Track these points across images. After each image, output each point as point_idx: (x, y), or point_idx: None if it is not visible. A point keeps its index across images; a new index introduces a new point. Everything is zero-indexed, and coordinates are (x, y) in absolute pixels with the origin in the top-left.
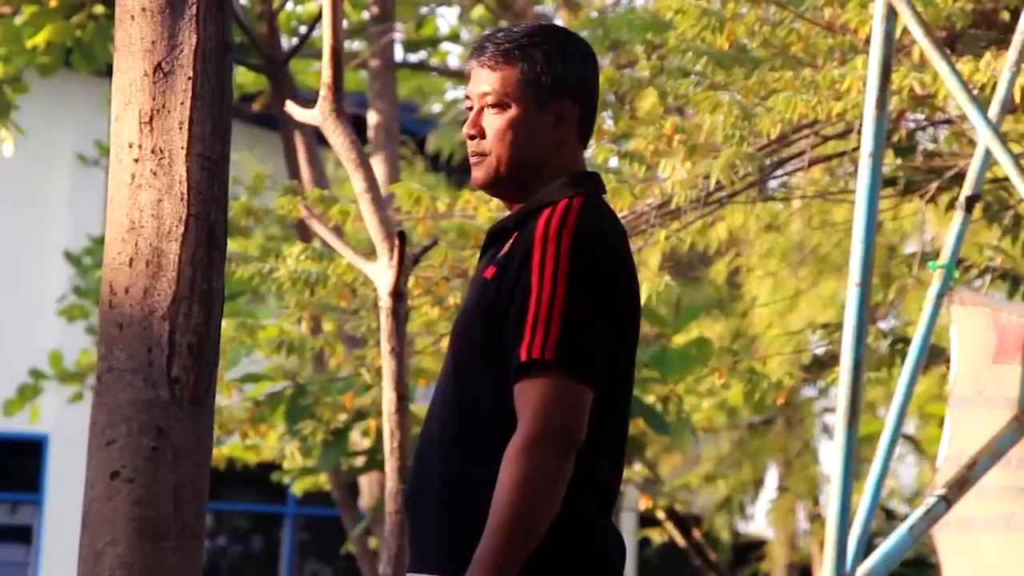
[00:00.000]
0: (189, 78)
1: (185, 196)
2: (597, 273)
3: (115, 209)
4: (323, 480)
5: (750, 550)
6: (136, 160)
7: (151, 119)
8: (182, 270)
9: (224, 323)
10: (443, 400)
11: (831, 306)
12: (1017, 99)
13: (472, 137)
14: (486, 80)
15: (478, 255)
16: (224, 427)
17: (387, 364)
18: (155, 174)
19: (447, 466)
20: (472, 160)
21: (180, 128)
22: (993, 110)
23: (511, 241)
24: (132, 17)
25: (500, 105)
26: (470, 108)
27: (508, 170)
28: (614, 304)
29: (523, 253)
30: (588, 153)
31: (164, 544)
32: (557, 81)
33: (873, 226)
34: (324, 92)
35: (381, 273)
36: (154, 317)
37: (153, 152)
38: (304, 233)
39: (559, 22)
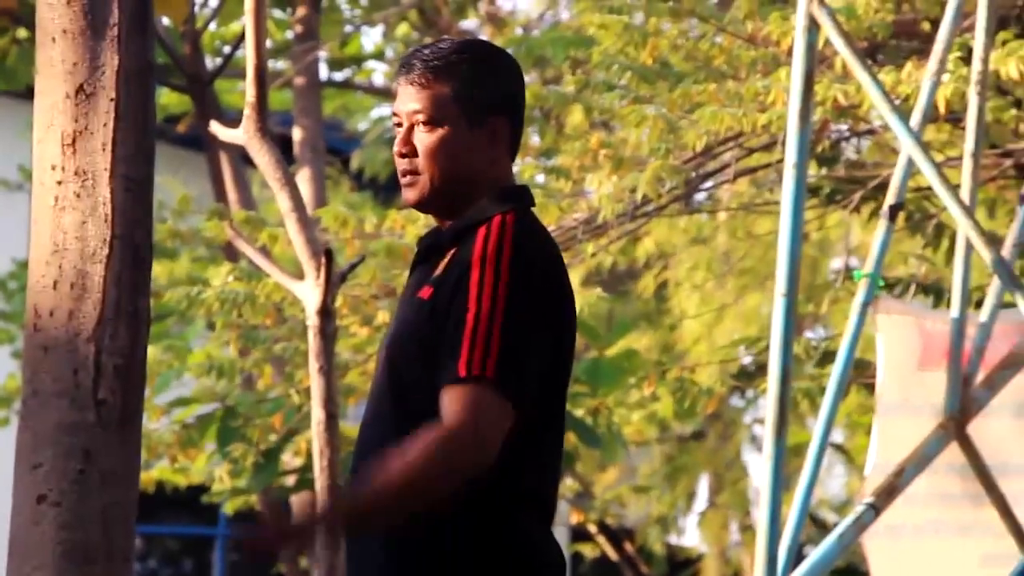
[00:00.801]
0: (112, 99)
1: (109, 217)
2: (535, 291)
3: (39, 231)
4: (254, 500)
5: (683, 564)
6: (59, 182)
7: (74, 141)
8: (107, 292)
9: (151, 347)
10: (377, 418)
11: (756, 319)
12: (941, 108)
13: (403, 156)
14: (416, 98)
15: (408, 271)
16: (152, 451)
17: (316, 383)
18: (79, 196)
19: None
20: (403, 180)
21: (103, 150)
22: (915, 119)
23: (446, 260)
24: (53, 39)
25: (431, 123)
26: (399, 125)
27: (441, 188)
28: (552, 320)
29: (460, 272)
30: (515, 169)
31: (93, 568)
32: (488, 97)
33: (798, 236)
34: (248, 112)
35: (308, 292)
36: (80, 339)
37: (76, 174)
38: (231, 254)
39: (483, 39)
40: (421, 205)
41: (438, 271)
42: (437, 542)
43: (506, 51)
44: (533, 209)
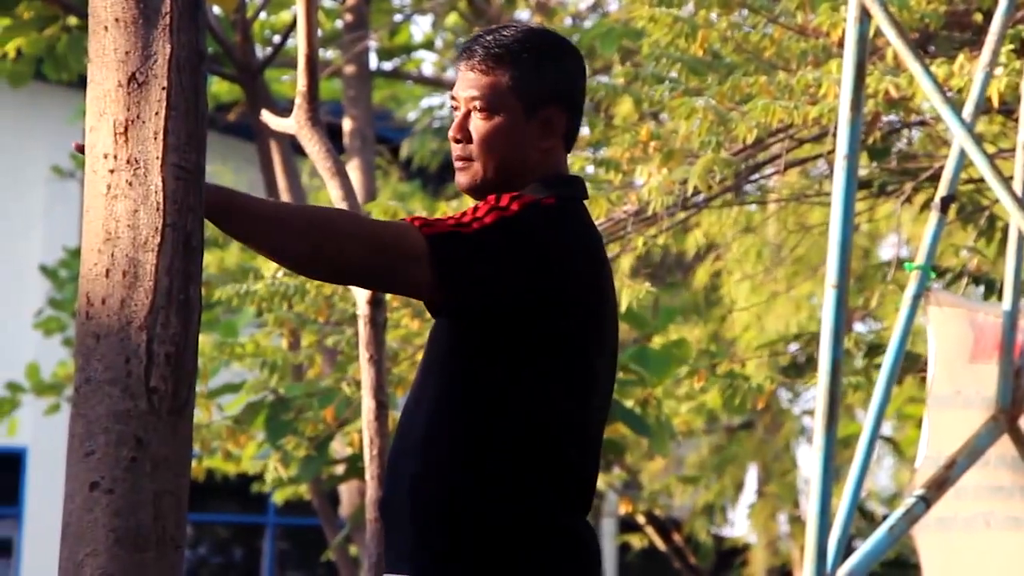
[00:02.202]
0: (163, 88)
1: (161, 206)
2: (526, 241)
3: (91, 220)
4: (303, 489)
5: (731, 554)
6: (111, 171)
7: (126, 130)
8: (159, 280)
9: (202, 336)
10: (416, 404)
11: (806, 308)
12: (994, 101)
13: (458, 141)
14: (475, 84)
15: None
16: (205, 445)
17: (366, 372)
18: (131, 184)
19: (418, 469)
20: (456, 164)
21: (155, 138)
22: (967, 111)
23: None
24: (105, 28)
25: (488, 111)
26: (455, 109)
27: (493, 176)
28: (547, 293)
29: None
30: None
31: (144, 555)
32: (546, 88)
33: (849, 228)
34: (300, 101)
35: None
36: (131, 327)
37: (128, 163)
38: None
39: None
40: (472, 191)
41: None
42: (473, 527)
43: (571, 43)
44: (585, 202)
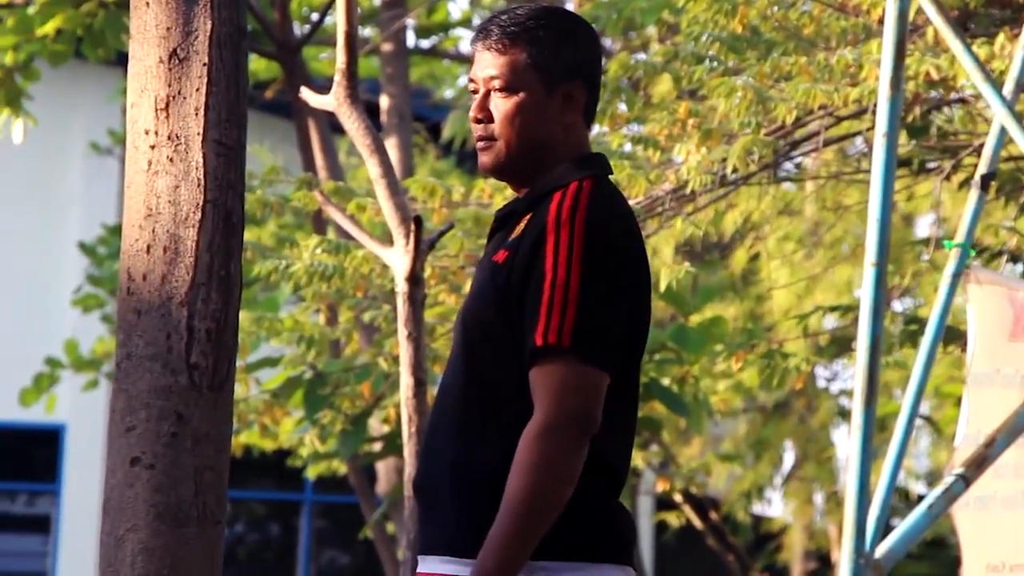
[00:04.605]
0: (204, 64)
1: (202, 182)
2: (611, 256)
3: (132, 196)
4: (337, 464)
5: (769, 534)
6: (152, 147)
7: (167, 105)
8: (199, 256)
9: (241, 315)
10: (452, 383)
11: (846, 292)
12: None
13: (479, 121)
14: (493, 64)
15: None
16: (242, 419)
17: (404, 349)
18: (171, 160)
19: (456, 449)
20: (479, 145)
21: (196, 114)
22: (1008, 88)
23: (522, 224)
24: (147, 4)
25: (508, 89)
26: (475, 92)
27: (517, 155)
28: (627, 286)
29: (536, 236)
30: (604, 139)
31: (185, 530)
32: (565, 63)
33: (889, 206)
34: (339, 78)
35: (398, 258)
36: (172, 303)
37: (169, 139)
38: (319, 223)
39: (570, 6)
40: (496, 171)
41: (514, 234)
42: None
43: (582, 18)
44: (611, 177)
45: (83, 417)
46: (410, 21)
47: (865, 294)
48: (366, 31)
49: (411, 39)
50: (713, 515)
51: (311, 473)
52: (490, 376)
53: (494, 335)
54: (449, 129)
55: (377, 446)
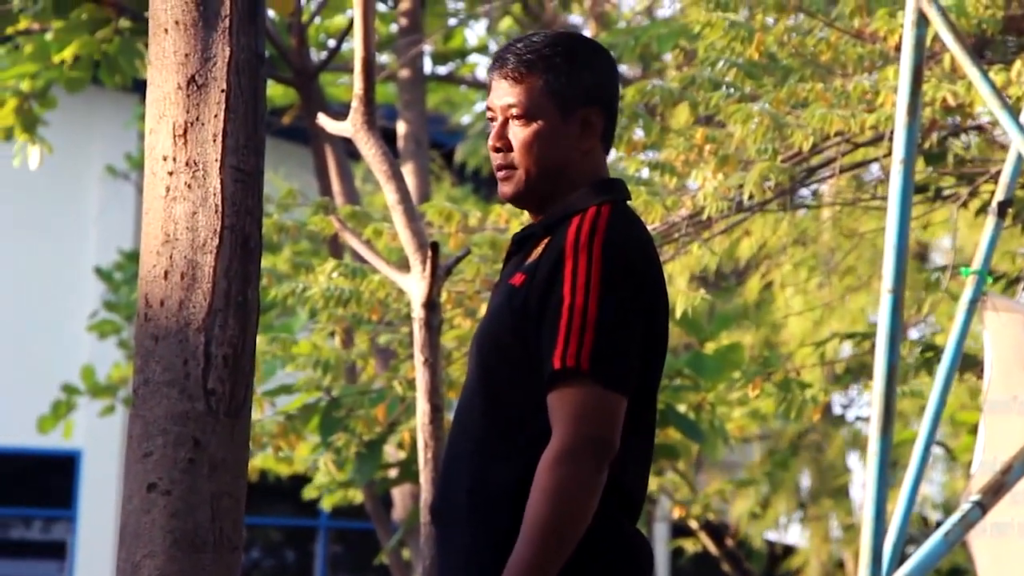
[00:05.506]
0: (223, 90)
1: (219, 208)
2: (629, 281)
3: (150, 222)
4: (353, 494)
5: (784, 560)
6: (170, 173)
7: (185, 132)
8: (217, 282)
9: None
10: (468, 406)
11: (860, 320)
12: None
13: (498, 150)
14: (510, 92)
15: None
16: (256, 441)
17: (421, 376)
18: (189, 186)
19: (473, 471)
20: (499, 174)
21: (214, 140)
22: None
23: (540, 248)
24: (166, 30)
25: (525, 117)
26: (492, 119)
27: (537, 181)
28: (644, 310)
29: (554, 261)
30: (620, 165)
31: (202, 556)
32: (581, 89)
33: (906, 233)
34: (356, 104)
35: (414, 284)
36: (190, 329)
37: (187, 165)
38: (335, 248)
39: (588, 34)
40: (517, 199)
41: (531, 258)
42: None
43: (598, 43)
44: (629, 202)
45: (99, 443)
46: (427, 48)
47: (882, 321)
48: (383, 57)
49: (428, 65)
50: (729, 541)
51: (326, 504)
52: (506, 398)
53: (511, 358)
54: (461, 155)
55: (393, 472)
